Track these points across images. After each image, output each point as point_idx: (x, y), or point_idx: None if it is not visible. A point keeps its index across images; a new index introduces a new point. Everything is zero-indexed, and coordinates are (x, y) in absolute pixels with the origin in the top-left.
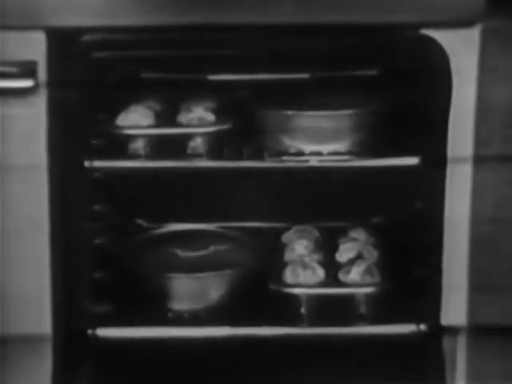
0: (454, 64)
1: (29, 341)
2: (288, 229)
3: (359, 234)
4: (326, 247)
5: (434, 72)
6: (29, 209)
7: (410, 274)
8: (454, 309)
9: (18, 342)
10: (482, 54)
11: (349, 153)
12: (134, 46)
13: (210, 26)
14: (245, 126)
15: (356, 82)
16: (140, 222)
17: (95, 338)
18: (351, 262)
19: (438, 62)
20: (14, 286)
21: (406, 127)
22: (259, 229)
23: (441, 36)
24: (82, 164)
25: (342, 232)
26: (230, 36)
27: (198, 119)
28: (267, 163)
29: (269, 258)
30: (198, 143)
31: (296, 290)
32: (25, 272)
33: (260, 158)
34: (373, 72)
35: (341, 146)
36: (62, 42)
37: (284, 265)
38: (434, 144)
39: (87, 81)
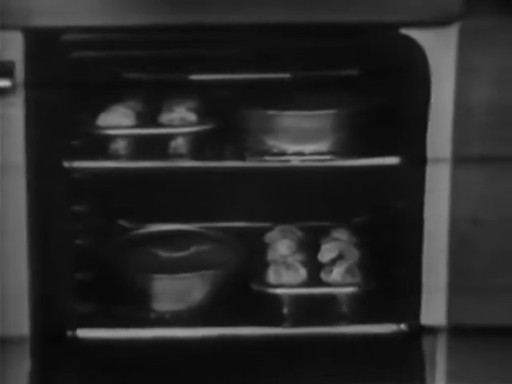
0: (433, 63)
1: (5, 342)
2: (271, 229)
3: (341, 234)
4: (309, 247)
5: (413, 71)
6: (6, 209)
7: (390, 274)
8: (434, 309)
9: None
10: (459, 53)
11: (330, 153)
12: (114, 45)
13: (191, 25)
14: (227, 125)
15: (337, 81)
16: (122, 222)
17: (75, 339)
18: (333, 262)
19: (417, 61)
20: None
21: (386, 127)
22: (242, 229)
23: (419, 35)
24: (61, 164)
25: (325, 232)
26: (211, 36)
27: (180, 119)
28: (249, 163)
29: (251, 259)
30: (179, 143)
31: (278, 291)
32: (2, 272)
33: (242, 157)
34: (353, 72)
35: (322, 145)
36: (40, 41)
37: (267, 265)
38: (414, 144)
39: (66, 81)
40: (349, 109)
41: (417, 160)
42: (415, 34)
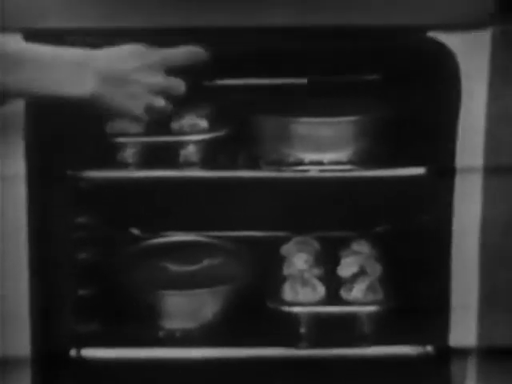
0: (464, 68)
1: (5, 363)
2: (287, 239)
3: (362, 247)
4: (327, 260)
5: (442, 77)
6: (6, 222)
7: (415, 291)
8: (464, 329)
9: None
10: (492, 59)
11: (350, 162)
12: None
13: (202, 29)
14: (240, 133)
15: (358, 87)
16: (131, 231)
17: (79, 359)
18: (353, 278)
19: (447, 66)
20: None
21: (411, 135)
22: (257, 239)
23: (450, 39)
24: (65, 173)
25: (344, 244)
26: (225, 39)
27: (191, 126)
28: (264, 173)
29: (267, 273)
30: (190, 151)
31: (295, 309)
32: (1, 288)
33: (256, 167)
34: (376, 76)
35: (342, 154)
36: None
37: (283, 280)
38: (442, 153)
39: None
40: (371, 116)
41: (445, 170)
42: (445, 38)
